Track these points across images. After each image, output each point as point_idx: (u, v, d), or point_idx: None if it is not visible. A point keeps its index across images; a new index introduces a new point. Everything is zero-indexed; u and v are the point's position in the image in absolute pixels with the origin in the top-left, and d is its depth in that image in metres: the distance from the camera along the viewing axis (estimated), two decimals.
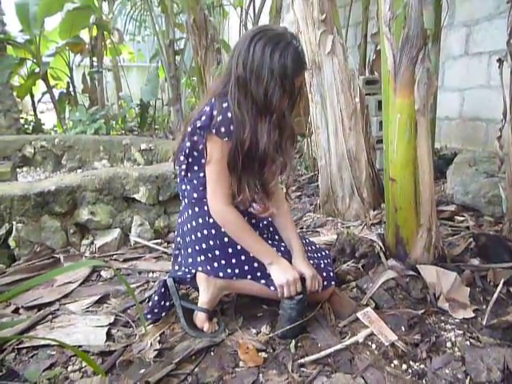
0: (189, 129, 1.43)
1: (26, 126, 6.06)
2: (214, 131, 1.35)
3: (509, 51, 1.84)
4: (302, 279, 1.46)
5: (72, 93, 6.37)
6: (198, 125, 1.39)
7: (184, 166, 1.49)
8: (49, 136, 4.31)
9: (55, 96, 6.14)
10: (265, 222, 1.61)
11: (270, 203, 1.52)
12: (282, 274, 1.43)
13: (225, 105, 1.36)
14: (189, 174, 1.50)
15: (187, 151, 1.45)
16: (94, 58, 6.34)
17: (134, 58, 8.92)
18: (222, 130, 1.34)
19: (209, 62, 4.36)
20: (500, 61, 1.96)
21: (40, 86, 6.43)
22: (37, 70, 5.80)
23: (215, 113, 1.36)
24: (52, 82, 6.29)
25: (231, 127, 1.34)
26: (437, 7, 2.88)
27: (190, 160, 1.46)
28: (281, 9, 5.19)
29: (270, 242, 1.56)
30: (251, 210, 1.52)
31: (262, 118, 1.36)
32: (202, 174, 1.47)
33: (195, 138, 1.42)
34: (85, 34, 6.30)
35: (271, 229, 1.63)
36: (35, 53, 5.64)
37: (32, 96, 6.17)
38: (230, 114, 1.34)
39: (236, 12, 5.75)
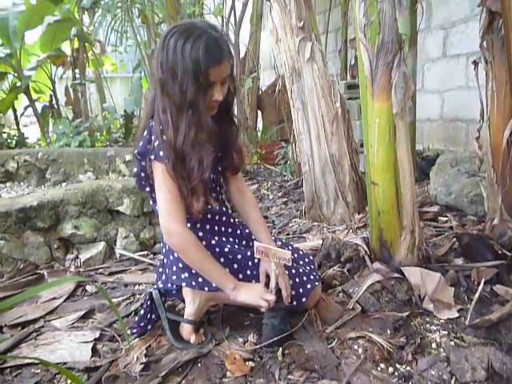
0: (135, 151, 1.40)
1: (8, 141, 5.99)
2: (153, 157, 1.34)
3: (482, 54, 1.87)
4: (279, 290, 1.46)
5: (55, 106, 6.31)
6: (136, 151, 1.39)
7: (148, 188, 1.48)
8: (32, 150, 4.24)
9: (38, 109, 6.09)
10: (247, 231, 1.61)
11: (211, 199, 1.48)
12: (251, 294, 1.42)
13: (160, 127, 1.34)
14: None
15: (142, 175, 1.44)
16: (77, 70, 6.30)
17: (117, 68, 8.90)
18: (161, 153, 1.33)
19: None
20: (475, 63, 2.00)
21: (22, 100, 6.37)
22: (18, 83, 5.75)
23: (153, 137, 1.35)
24: (34, 96, 6.23)
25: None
26: (412, 11, 2.93)
27: (150, 182, 1.44)
28: (261, 17, 5.24)
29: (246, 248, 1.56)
30: None
31: (180, 116, 1.32)
32: None
33: (143, 163, 1.41)
34: (66, 47, 6.27)
35: (246, 238, 1.61)
36: (16, 67, 5.59)
37: (14, 110, 6.10)
38: (165, 137, 1.33)
39: (217, 21, 5.77)
